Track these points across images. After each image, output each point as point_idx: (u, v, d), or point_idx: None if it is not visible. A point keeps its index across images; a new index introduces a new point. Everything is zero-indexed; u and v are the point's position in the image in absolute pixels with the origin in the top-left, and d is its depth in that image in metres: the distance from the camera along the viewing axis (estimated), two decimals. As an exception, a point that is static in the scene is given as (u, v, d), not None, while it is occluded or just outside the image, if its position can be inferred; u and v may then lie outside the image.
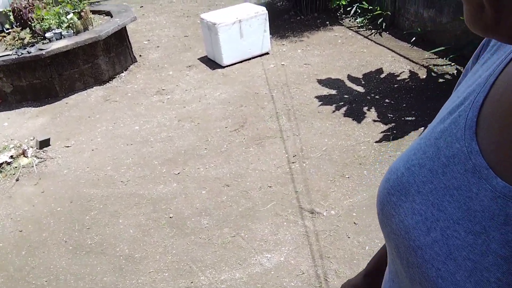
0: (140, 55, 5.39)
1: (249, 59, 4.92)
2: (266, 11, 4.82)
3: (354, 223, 2.53)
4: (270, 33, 5.03)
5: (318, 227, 2.53)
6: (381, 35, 5.16)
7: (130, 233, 2.70)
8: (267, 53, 5.00)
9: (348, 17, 5.81)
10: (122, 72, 4.97)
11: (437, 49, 4.45)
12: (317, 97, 3.94)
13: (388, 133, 3.31)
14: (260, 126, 3.62)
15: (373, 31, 5.30)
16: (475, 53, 0.54)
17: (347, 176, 2.91)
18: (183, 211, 2.82)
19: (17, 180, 3.33)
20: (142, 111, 4.14)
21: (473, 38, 3.93)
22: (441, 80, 4.01)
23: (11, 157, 3.55)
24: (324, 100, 3.88)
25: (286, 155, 3.20)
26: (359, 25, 5.54)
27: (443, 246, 0.42)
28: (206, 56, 5.11)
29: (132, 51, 5.20)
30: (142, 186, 3.09)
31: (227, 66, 4.81)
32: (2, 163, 3.48)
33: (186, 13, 6.90)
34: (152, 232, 2.69)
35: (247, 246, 2.48)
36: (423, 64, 4.33)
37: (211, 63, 4.95)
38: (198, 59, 5.13)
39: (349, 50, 4.85)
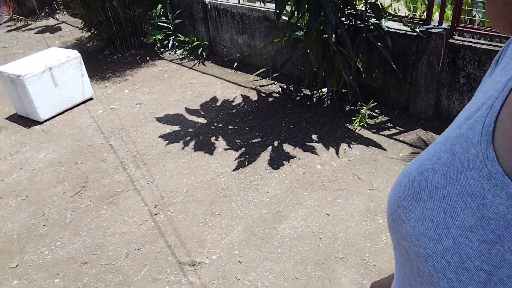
0: None
1: (71, 108, 4.37)
2: (79, 54, 4.38)
3: (239, 262, 2.42)
4: (89, 77, 4.58)
5: (204, 278, 2.34)
6: (204, 64, 5.27)
7: None
8: (91, 99, 4.53)
9: (167, 50, 5.76)
10: None
11: (259, 71, 4.77)
12: (161, 136, 3.73)
13: (242, 158, 3.34)
14: (106, 182, 3.20)
15: (195, 61, 5.37)
16: (495, 58, 0.51)
17: (217, 213, 2.79)
18: (35, 312, 2.24)
19: None
20: None
21: (287, 58, 4.33)
22: (270, 99, 4.29)
23: None
24: (170, 138, 3.70)
25: (147, 208, 2.90)
26: (180, 57, 5.55)
27: (454, 255, 0.41)
28: (16, 113, 4.33)
29: None
30: (-35, 299, 2.35)
31: (46, 120, 4.16)
32: None
33: (-26, 66, 5.75)
34: None
35: (131, 328, 2.11)
36: (251, 87, 4.57)
37: (25, 120, 4.21)
38: (5, 119, 4.30)
39: (178, 83, 4.79)
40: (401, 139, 3.43)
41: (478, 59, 3.13)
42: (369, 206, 2.73)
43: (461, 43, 3.20)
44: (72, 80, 4.33)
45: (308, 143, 3.46)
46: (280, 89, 4.43)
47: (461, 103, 3.37)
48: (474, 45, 3.14)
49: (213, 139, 3.64)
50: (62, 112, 4.29)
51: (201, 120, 3.96)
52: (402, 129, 3.56)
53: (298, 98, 4.24)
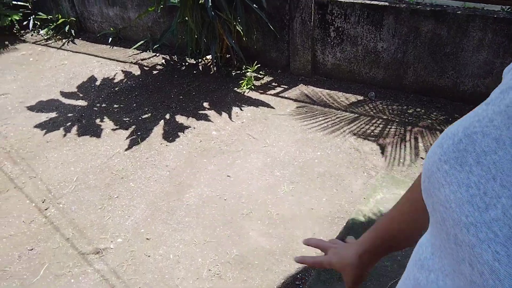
0: None
1: None
2: None
3: (147, 239, 2.36)
4: None
5: (112, 263, 2.23)
6: (74, 43, 4.82)
7: None
8: None
9: (28, 32, 5.13)
10: None
11: (137, 44, 4.54)
12: (37, 126, 3.36)
13: (134, 136, 3.19)
14: (-23, 185, 2.81)
15: (64, 40, 4.88)
16: None
17: (115, 196, 2.65)
18: None
19: None
20: None
21: (166, 27, 4.19)
22: (155, 71, 4.13)
23: None
24: (47, 126, 3.36)
25: (33, 204, 2.62)
26: (45, 37, 4.98)
27: (503, 227, 0.38)
28: None
29: None
30: None
31: None
32: None
33: None
34: None
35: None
36: (131, 62, 4.33)
37: None
38: None
39: (47, 66, 4.32)
40: (286, 96, 3.61)
41: (344, 13, 3.39)
42: (266, 162, 2.85)
43: (327, -1, 3.42)
44: None
45: (200, 112, 3.44)
46: (163, 61, 4.28)
47: (334, 56, 3.64)
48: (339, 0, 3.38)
49: (98, 120, 3.40)
50: None
51: (81, 103, 3.66)
52: (286, 86, 3.74)
53: (183, 68, 4.15)
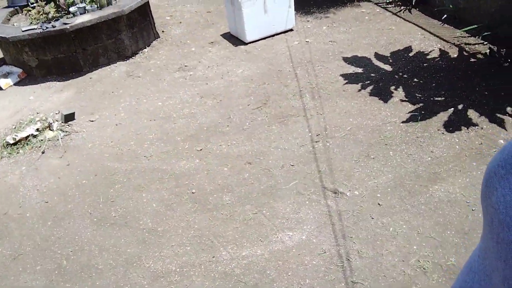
0: (162, 31, 5.35)
1: (273, 35, 4.82)
2: (292, -15, 4.69)
3: (378, 204, 2.48)
4: (295, 9, 4.90)
5: (341, 207, 2.50)
6: (410, 12, 4.97)
7: (153, 207, 2.73)
8: (291, 30, 4.89)
9: (376, -7, 5.60)
10: (145, 48, 4.95)
11: (469, 27, 4.26)
12: (342, 75, 3.85)
13: (416, 113, 3.21)
14: (283, 104, 3.56)
15: (402, 7, 5.10)
16: None
17: (372, 157, 2.85)
18: (205, 187, 2.82)
19: (43, 152, 3.40)
20: (165, 87, 4.13)
21: (508, 16, 3.74)
22: (472, 59, 3.84)
23: (37, 130, 3.61)
24: (350, 78, 3.79)
25: (310, 134, 3.15)
26: (388, 1, 5.34)
27: None
28: (229, 32, 5.03)
29: (154, 27, 5.16)
30: (165, 162, 3.11)
31: (250, 42, 4.73)
32: (28, 136, 3.54)
33: (209, -12, 6.78)
34: (174, 206, 2.71)
35: (269, 224, 2.47)
36: (454, 43, 4.15)
37: (234, 39, 4.88)
38: (220, 35, 5.06)
39: (376, 27, 4.69)
40: None
41: None
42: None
43: None
44: (280, 10, 4.72)
45: (498, 115, 3.06)
46: (488, 51, 3.91)
47: None
48: None
49: (392, 88, 3.56)
50: (265, 38, 4.78)
51: (387, 68, 3.88)
52: None
53: (506, 64, 3.68)
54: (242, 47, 4.69)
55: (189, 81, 4.16)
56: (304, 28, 4.93)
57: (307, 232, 2.39)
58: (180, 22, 5.59)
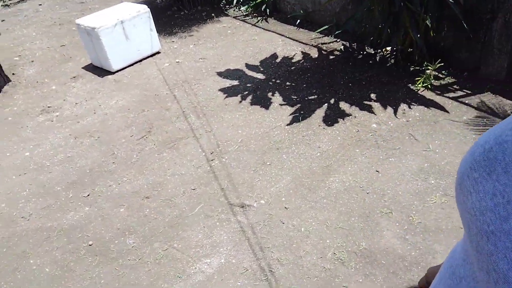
0: (13, 74, 4.73)
1: (140, 60, 4.64)
2: (148, 9, 4.58)
3: (285, 207, 2.54)
4: (157, 31, 4.79)
5: (251, 219, 2.49)
6: (267, 21, 5.26)
7: (47, 272, 2.36)
8: (158, 52, 4.77)
9: (232, 7, 5.82)
10: (-6, 95, 4.32)
11: (321, 29, 4.69)
12: (220, 90, 3.87)
13: (296, 114, 3.39)
14: (168, 128, 3.43)
15: (259, 18, 5.38)
16: None
17: (268, 163, 2.91)
18: (103, 235, 2.55)
19: None
20: (29, 134, 3.64)
21: (352, 14, 4.20)
22: (331, 56, 4.23)
23: None
24: (229, 92, 3.83)
25: (204, 154, 3.08)
26: (244, 13, 5.58)
27: None
28: (91, 63, 4.69)
29: (2, 70, 4.54)
30: (48, 218, 2.72)
31: (117, 71, 4.47)
32: None
33: (58, 21, 6.24)
34: (72, 265, 2.38)
35: (183, 256, 2.34)
36: (312, 44, 4.52)
37: (99, 70, 4.56)
38: (82, 68, 4.69)
39: (240, 40, 4.86)
40: (466, 102, 3.26)
41: None
42: (423, 167, 2.68)
43: (545, -1, 2.90)
44: (142, 34, 4.56)
45: (365, 102, 3.41)
46: (342, 47, 4.34)
47: (539, 66, 3.10)
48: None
49: (269, 94, 3.71)
50: (132, 64, 4.57)
51: (260, 76, 4.03)
52: (469, 91, 3.37)
53: (360, 56, 4.14)
54: (110, 77, 4.41)
55: (57, 123, 3.75)
56: (171, 49, 4.85)
57: (225, 254, 2.31)
58: (32, 61, 5.02)
